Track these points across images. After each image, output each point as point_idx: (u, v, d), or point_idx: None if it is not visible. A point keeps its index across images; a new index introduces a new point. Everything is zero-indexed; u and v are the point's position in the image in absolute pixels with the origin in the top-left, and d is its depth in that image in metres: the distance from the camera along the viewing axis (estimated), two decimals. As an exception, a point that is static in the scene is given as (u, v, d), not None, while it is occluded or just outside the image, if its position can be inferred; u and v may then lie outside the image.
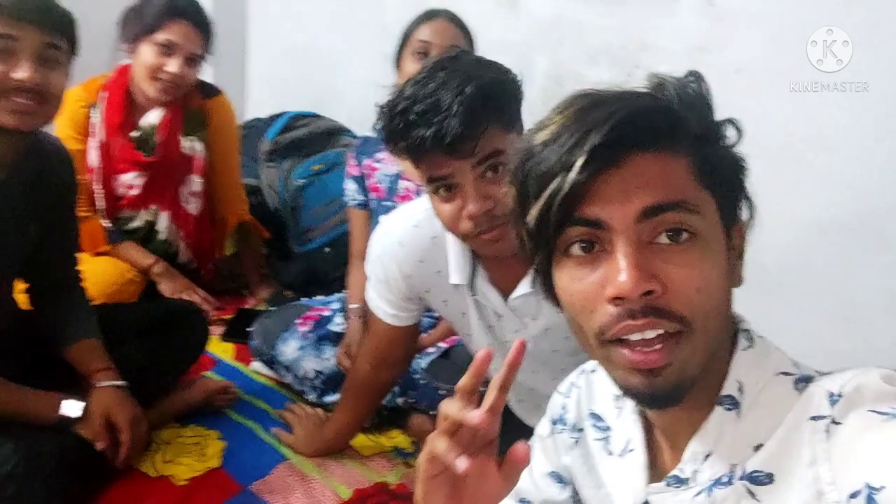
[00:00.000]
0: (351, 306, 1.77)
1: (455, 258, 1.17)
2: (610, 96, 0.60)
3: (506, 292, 1.16)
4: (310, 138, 2.55)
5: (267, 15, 2.91)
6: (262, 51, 2.98)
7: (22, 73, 1.12)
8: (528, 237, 0.63)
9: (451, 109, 0.96)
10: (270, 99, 2.84)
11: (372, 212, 1.85)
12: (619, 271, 0.56)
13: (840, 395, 0.56)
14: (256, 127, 2.63)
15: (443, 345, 1.68)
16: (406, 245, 1.22)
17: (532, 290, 1.10)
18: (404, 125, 1.00)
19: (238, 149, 2.23)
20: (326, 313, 1.81)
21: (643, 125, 0.58)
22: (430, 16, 1.75)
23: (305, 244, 2.30)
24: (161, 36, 1.85)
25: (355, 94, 2.50)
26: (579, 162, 0.56)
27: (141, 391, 1.41)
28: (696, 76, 0.63)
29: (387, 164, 1.82)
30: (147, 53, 1.87)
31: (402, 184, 1.80)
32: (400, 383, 1.60)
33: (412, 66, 1.68)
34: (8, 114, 1.13)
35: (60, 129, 1.89)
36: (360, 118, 2.06)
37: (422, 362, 1.62)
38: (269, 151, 2.52)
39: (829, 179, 1.57)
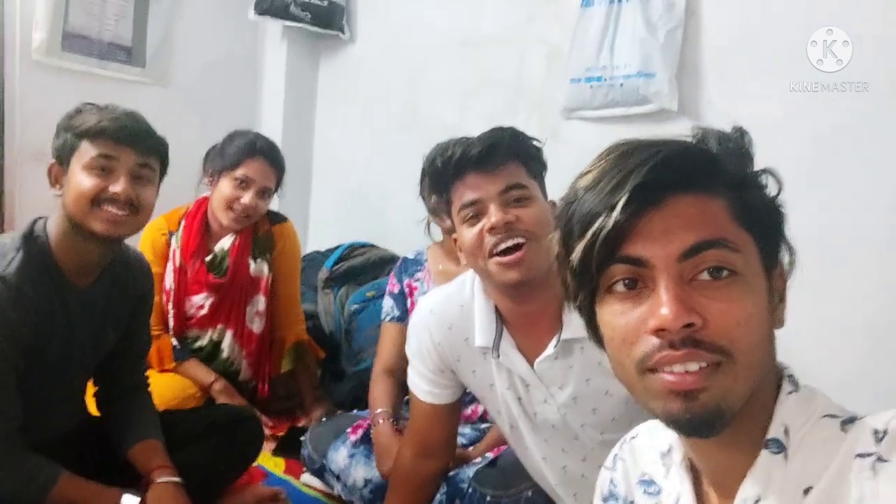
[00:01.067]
0: (377, 411, 1.76)
1: (480, 321, 1.22)
2: (649, 142, 0.63)
3: (531, 359, 1.20)
4: (364, 267, 2.70)
5: (329, 158, 3.19)
6: (323, 188, 3.24)
7: (118, 187, 1.29)
8: (572, 276, 0.65)
9: (481, 136, 1.14)
10: (330, 232, 3.04)
11: None
12: (661, 305, 0.58)
13: (885, 432, 0.56)
14: (316, 258, 2.81)
15: (489, 455, 1.67)
16: (436, 313, 1.30)
17: (555, 351, 1.15)
18: (440, 153, 1.16)
19: (299, 271, 2.38)
20: (374, 422, 1.83)
21: (682, 167, 0.61)
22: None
23: (357, 364, 2.36)
24: (240, 172, 2.07)
25: (405, 226, 2.67)
26: (622, 202, 0.59)
27: (195, 494, 1.44)
28: (739, 130, 0.66)
29: (426, 283, 1.89)
30: (226, 186, 2.08)
31: None
32: (446, 492, 1.59)
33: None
34: (101, 222, 1.29)
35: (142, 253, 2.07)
36: (410, 247, 2.19)
37: (469, 472, 1.61)
38: (327, 279, 2.67)
39: (872, 282, 1.58)
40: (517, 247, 1.12)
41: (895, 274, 1.58)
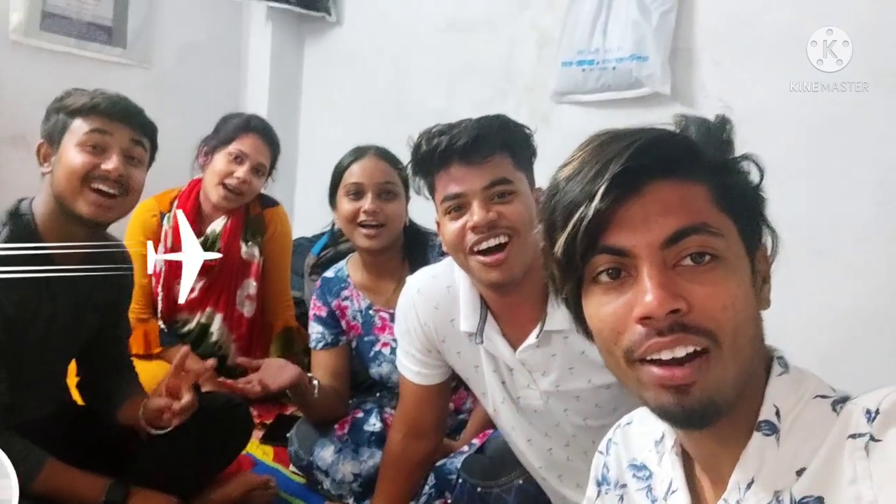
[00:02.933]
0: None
1: (465, 307, 1.21)
2: (628, 131, 0.64)
3: (515, 345, 1.19)
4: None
5: (315, 142, 3.16)
6: (309, 174, 3.20)
7: (110, 164, 1.27)
8: (557, 268, 0.65)
9: (468, 125, 1.10)
10: (316, 218, 3.00)
11: (355, 350, 1.82)
12: (646, 292, 0.58)
13: (877, 412, 0.56)
14: (302, 245, 2.77)
15: (475, 442, 1.66)
16: (423, 292, 1.30)
17: (537, 341, 1.14)
18: (427, 139, 1.13)
19: (290, 257, 2.35)
20: (360, 415, 1.79)
21: (660, 154, 0.61)
22: (359, 154, 1.75)
23: (344, 350, 2.34)
24: (234, 147, 2.05)
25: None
26: (601, 190, 0.59)
27: (183, 482, 1.42)
28: (721, 118, 0.67)
29: (355, 300, 1.79)
30: (220, 162, 2.06)
31: (377, 315, 1.77)
32: (435, 484, 1.58)
33: (347, 206, 1.72)
34: (88, 205, 1.26)
35: (131, 234, 2.04)
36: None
37: (456, 462, 1.59)
38: (314, 266, 2.63)
39: (859, 272, 1.59)
40: (499, 247, 1.10)
41: (879, 263, 1.59)
